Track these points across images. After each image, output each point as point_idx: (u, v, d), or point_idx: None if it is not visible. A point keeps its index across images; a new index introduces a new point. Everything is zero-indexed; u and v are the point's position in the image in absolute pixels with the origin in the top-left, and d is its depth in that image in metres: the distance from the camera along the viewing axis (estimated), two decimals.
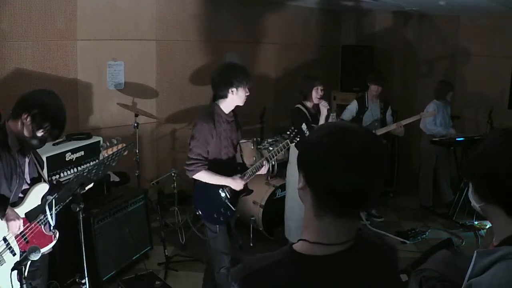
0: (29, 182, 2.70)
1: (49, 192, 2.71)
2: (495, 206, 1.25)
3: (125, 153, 2.78)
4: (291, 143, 3.57)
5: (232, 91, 3.25)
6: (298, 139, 3.61)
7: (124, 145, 2.76)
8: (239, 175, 3.37)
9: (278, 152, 3.64)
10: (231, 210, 3.39)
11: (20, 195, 2.64)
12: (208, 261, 3.63)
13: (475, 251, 1.21)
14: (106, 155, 2.74)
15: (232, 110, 3.39)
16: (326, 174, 1.13)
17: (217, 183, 3.31)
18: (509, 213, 1.23)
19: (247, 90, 3.30)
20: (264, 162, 3.49)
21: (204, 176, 3.26)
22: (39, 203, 2.64)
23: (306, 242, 1.18)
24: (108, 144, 2.77)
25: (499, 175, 1.22)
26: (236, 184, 3.33)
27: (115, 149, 2.76)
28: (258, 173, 3.52)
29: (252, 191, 3.60)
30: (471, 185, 1.32)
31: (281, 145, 3.62)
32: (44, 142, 2.58)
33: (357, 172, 1.12)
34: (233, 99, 3.29)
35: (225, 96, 3.28)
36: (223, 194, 3.36)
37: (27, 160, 2.68)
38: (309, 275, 1.14)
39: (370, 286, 1.18)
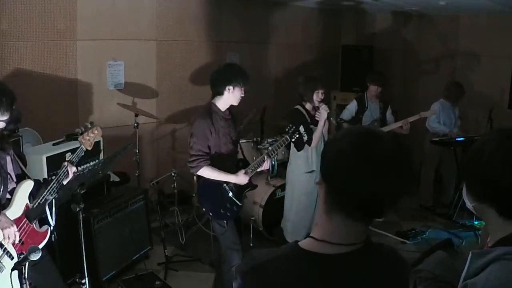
0: (15, 180, 2.64)
1: (35, 189, 2.66)
2: (487, 206, 1.23)
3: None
4: (290, 139, 3.61)
5: (228, 89, 3.31)
6: (297, 136, 3.63)
7: (98, 127, 2.81)
8: (243, 170, 3.42)
9: (279, 148, 3.68)
10: (237, 205, 3.43)
11: (8, 196, 2.58)
12: (216, 261, 3.61)
13: (470, 252, 1.20)
14: (83, 140, 2.75)
15: (228, 109, 3.44)
16: (341, 174, 1.12)
17: (220, 179, 3.35)
18: (501, 214, 1.21)
19: (243, 91, 3.35)
20: (265, 157, 3.53)
21: (207, 172, 3.30)
22: (27, 201, 2.60)
23: (312, 240, 1.18)
24: (83, 129, 2.79)
25: (489, 176, 1.20)
26: (240, 179, 3.38)
27: (90, 133, 2.78)
28: (260, 169, 3.56)
29: (256, 186, 3.65)
30: (465, 184, 1.31)
31: (280, 140, 3.66)
32: (9, 122, 2.53)
33: (374, 178, 1.09)
34: (229, 97, 3.35)
35: (221, 93, 3.34)
36: (227, 189, 3.39)
37: (8, 158, 2.62)
38: (312, 272, 1.14)
39: None
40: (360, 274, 1.15)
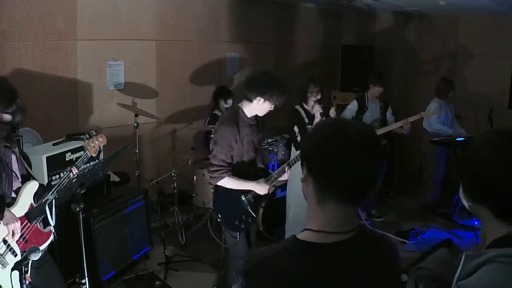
0: (20, 180, 2.67)
1: (41, 190, 2.69)
2: (484, 207, 1.23)
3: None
4: None
5: (259, 100, 3.17)
6: None
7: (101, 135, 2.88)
8: (263, 179, 3.32)
9: (299, 159, 3.60)
10: (252, 217, 3.35)
11: (13, 195, 2.61)
12: (216, 261, 3.56)
13: (464, 253, 1.20)
14: (88, 147, 2.81)
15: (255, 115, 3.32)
16: (324, 160, 1.17)
17: (241, 188, 3.25)
18: (498, 216, 1.21)
19: (272, 106, 3.22)
20: (286, 168, 3.43)
21: (228, 182, 3.18)
22: (32, 201, 2.63)
23: (310, 231, 1.21)
24: (88, 136, 2.86)
25: (488, 176, 1.20)
26: (261, 188, 3.27)
27: (95, 140, 2.83)
28: (280, 179, 3.45)
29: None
30: (461, 184, 1.31)
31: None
32: (14, 114, 2.58)
33: (354, 158, 1.15)
34: (256, 107, 3.22)
35: (250, 100, 3.20)
36: (244, 200, 3.30)
37: (13, 156, 2.65)
38: (314, 262, 1.15)
39: (373, 274, 1.20)
40: (357, 260, 1.19)
